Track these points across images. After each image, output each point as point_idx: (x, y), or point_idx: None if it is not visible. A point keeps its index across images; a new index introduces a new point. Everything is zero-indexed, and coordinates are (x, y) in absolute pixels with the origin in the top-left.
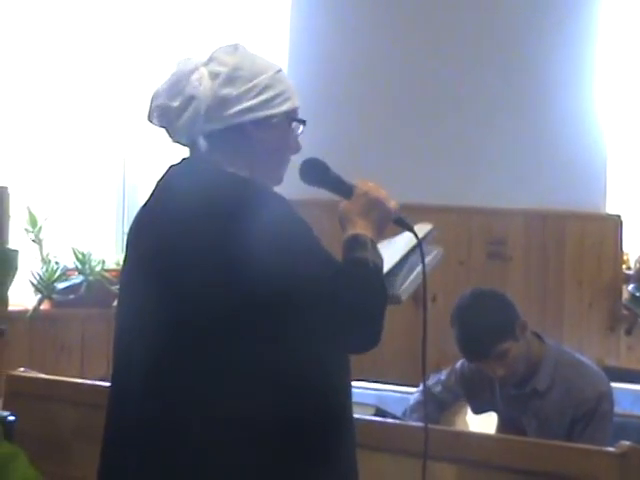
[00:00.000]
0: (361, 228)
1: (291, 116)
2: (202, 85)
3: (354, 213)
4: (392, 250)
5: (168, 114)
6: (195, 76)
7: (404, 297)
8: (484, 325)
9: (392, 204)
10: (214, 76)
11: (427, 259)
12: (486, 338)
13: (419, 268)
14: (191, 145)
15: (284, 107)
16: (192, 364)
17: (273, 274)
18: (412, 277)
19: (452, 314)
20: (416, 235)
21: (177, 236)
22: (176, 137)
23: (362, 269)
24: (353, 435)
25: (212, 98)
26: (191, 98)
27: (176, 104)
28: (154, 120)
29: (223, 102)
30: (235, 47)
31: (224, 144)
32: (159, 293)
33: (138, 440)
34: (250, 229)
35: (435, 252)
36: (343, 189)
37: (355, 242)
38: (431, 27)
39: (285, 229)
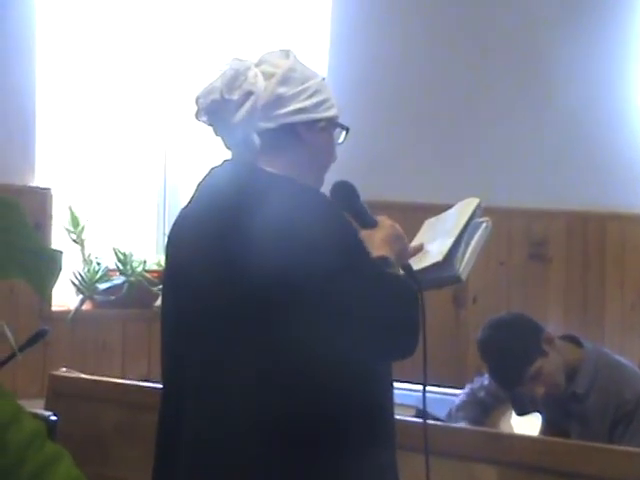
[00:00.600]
0: (386, 253)
1: (335, 122)
2: (256, 86)
3: (379, 239)
4: (444, 231)
5: (224, 109)
6: (252, 73)
7: (464, 276)
8: (508, 354)
9: (408, 249)
10: (268, 76)
11: (478, 233)
12: (514, 366)
13: (473, 244)
14: (240, 144)
15: (331, 112)
16: (218, 364)
17: (295, 281)
18: (468, 256)
19: (478, 350)
20: (420, 288)
21: (204, 241)
22: (226, 134)
23: (396, 282)
24: (392, 436)
25: (269, 95)
26: (249, 93)
27: (235, 97)
28: (203, 117)
29: (278, 100)
30: (287, 52)
31: (274, 143)
32: (185, 295)
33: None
34: (277, 235)
35: (484, 225)
36: (367, 219)
37: (384, 262)
38: (467, 29)
39: (316, 234)
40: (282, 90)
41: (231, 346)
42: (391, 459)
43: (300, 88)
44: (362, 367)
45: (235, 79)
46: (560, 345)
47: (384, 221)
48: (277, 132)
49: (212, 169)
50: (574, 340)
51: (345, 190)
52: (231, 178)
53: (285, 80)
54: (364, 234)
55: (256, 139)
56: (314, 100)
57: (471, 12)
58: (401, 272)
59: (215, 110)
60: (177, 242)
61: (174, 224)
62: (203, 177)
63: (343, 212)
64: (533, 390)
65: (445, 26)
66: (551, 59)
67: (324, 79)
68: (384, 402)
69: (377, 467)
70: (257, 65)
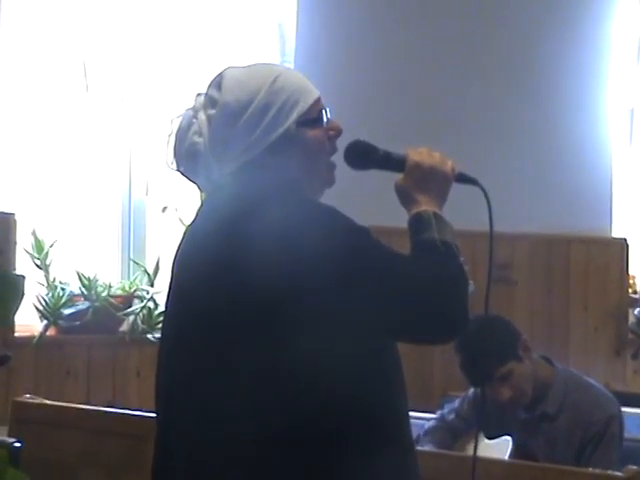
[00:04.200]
0: (424, 204)
1: (307, 117)
2: (203, 136)
3: (412, 189)
4: None
5: (188, 176)
6: (194, 129)
7: None
8: (485, 348)
9: (449, 165)
10: (210, 120)
11: None
12: (488, 361)
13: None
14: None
15: (293, 115)
16: (218, 379)
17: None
18: None
19: (454, 342)
20: (481, 187)
21: (209, 258)
22: (208, 189)
23: (430, 252)
24: (404, 438)
25: (215, 145)
26: (195, 155)
27: (183, 168)
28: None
29: (226, 146)
30: (220, 77)
31: (247, 176)
32: (186, 316)
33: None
34: (281, 248)
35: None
36: (394, 164)
37: (419, 223)
38: (437, 38)
39: (320, 243)
40: (224, 134)
41: (232, 360)
42: (404, 461)
43: (242, 121)
44: (372, 369)
45: (178, 149)
46: (535, 358)
47: (410, 160)
48: (245, 167)
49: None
50: (547, 360)
51: (357, 149)
52: (231, 198)
53: (223, 121)
54: (399, 186)
55: (229, 182)
56: (266, 120)
57: (446, 22)
58: (438, 219)
59: (186, 177)
60: (182, 262)
61: (177, 248)
62: (204, 198)
63: (349, 218)
64: (500, 392)
65: (419, 32)
66: (520, 85)
67: (277, 78)
68: (392, 402)
69: (389, 469)
70: (205, 105)
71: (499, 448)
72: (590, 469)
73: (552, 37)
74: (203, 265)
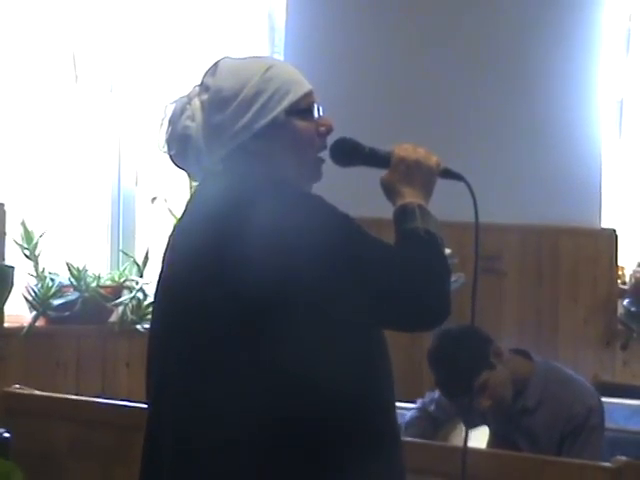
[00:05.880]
0: (409, 196)
1: (297, 108)
2: (195, 121)
3: (397, 183)
4: None
5: (177, 161)
6: (187, 114)
7: None
8: (454, 364)
9: (434, 160)
10: (203, 105)
11: None
12: (459, 377)
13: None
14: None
15: (283, 103)
16: (210, 377)
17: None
18: None
19: (427, 360)
20: (467, 183)
21: (197, 255)
22: (198, 177)
23: (413, 241)
24: (397, 437)
25: (206, 129)
26: (186, 139)
27: (174, 152)
28: (178, 165)
29: (217, 130)
30: (215, 66)
31: (237, 164)
32: (176, 310)
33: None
34: (268, 244)
35: (454, 278)
36: (379, 160)
37: (403, 213)
38: (427, 30)
39: (308, 237)
40: (217, 119)
41: (225, 360)
42: (391, 453)
43: (233, 106)
44: (364, 369)
45: (170, 132)
46: (510, 359)
47: (395, 156)
48: (233, 154)
49: (203, 181)
50: (524, 354)
51: (343, 146)
52: (221, 189)
53: (216, 106)
54: (385, 180)
55: (217, 169)
56: (254, 108)
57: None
58: (426, 215)
59: (174, 162)
60: (172, 256)
61: (168, 240)
62: (194, 189)
63: (335, 208)
64: (479, 403)
65: (411, 21)
66: (509, 75)
67: (270, 68)
68: (381, 396)
69: (379, 462)
70: (199, 93)
71: (476, 436)
72: (578, 460)
73: (541, 28)
74: (193, 259)
